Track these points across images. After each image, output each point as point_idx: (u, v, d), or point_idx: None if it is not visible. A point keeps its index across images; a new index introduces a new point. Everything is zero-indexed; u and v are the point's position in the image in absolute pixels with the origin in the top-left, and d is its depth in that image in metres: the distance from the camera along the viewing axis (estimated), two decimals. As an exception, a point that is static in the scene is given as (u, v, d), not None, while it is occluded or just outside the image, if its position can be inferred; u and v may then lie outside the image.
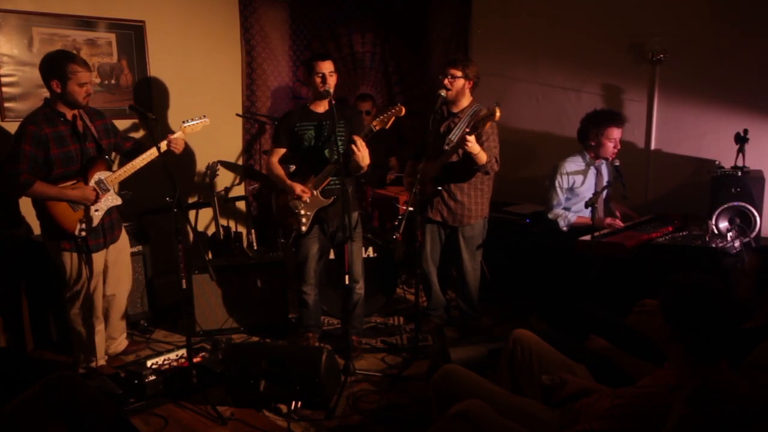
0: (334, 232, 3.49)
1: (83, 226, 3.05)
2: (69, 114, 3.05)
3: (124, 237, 3.42)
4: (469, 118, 3.51)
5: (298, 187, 3.35)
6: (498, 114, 3.19)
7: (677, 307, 1.67)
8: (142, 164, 3.19)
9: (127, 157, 3.28)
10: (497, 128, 3.58)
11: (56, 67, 2.95)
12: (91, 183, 3.09)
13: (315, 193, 3.39)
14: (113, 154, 3.45)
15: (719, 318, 1.63)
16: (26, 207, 3.55)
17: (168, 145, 3.25)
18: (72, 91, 2.97)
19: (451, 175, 3.58)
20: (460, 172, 3.56)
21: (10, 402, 2.05)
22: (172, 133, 3.31)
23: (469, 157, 3.39)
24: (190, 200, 4.52)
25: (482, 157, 3.36)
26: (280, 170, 3.48)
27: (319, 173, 3.37)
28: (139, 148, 3.32)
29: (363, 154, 3.22)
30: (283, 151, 3.49)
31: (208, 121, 3.45)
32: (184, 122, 3.38)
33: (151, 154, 3.18)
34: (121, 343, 3.53)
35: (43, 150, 2.93)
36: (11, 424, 2.01)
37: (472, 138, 3.25)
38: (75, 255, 3.10)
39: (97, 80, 4.03)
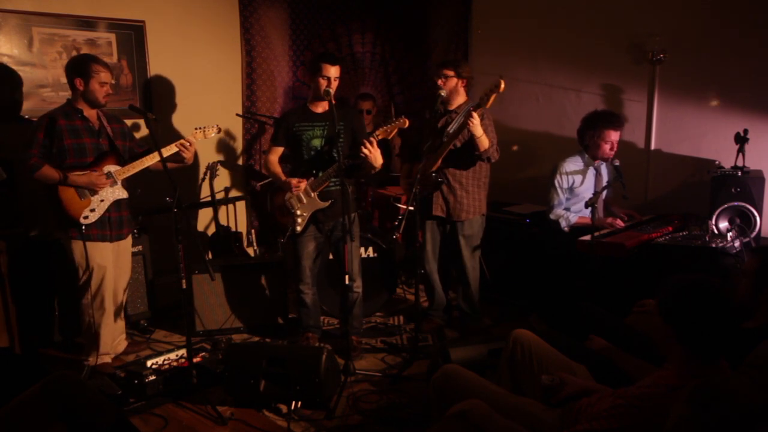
0: (330, 231, 3.49)
1: (87, 213, 3.16)
2: (87, 113, 3.21)
3: (129, 239, 3.49)
4: (465, 115, 3.52)
5: (293, 180, 3.36)
6: (503, 86, 3.13)
7: (677, 307, 1.67)
8: (150, 162, 3.26)
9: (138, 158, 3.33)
10: (493, 122, 3.58)
11: (81, 66, 3.16)
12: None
13: (313, 195, 3.38)
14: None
15: (719, 318, 1.63)
16: (35, 207, 3.56)
17: (177, 146, 3.28)
18: (93, 89, 3.16)
19: (452, 165, 3.58)
20: (460, 161, 3.56)
21: (10, 402, 2.04)
22: (175, 134, 3.31)
23: (470, 143, 3.39)
24: (190, 200, 4.51)
25: (484, 141, 3.36)
26: (277, 167, 3.49)
27: (318, 174, 3.36)
28: (150, 152, 3.35)
29: (375, 155, 3.21)
30: (281, 150, 3.49)
31: (220, 131, 3.55)
32: (196, 128, 3.44)
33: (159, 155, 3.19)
34: (120, 343, 3.53)
35: (56, 139, 3.10)
36: (11, 424, 2.01)
37: (476, 115, 3.24)
38: (81, 243, 3.18)
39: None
